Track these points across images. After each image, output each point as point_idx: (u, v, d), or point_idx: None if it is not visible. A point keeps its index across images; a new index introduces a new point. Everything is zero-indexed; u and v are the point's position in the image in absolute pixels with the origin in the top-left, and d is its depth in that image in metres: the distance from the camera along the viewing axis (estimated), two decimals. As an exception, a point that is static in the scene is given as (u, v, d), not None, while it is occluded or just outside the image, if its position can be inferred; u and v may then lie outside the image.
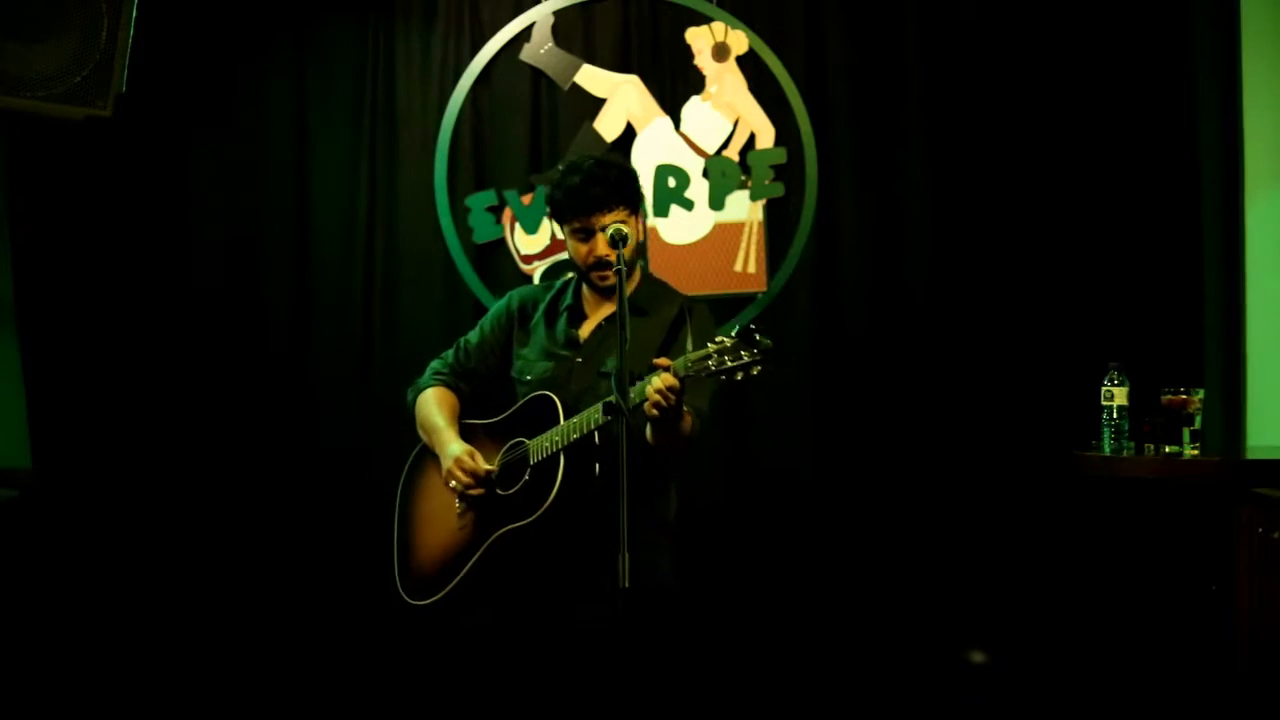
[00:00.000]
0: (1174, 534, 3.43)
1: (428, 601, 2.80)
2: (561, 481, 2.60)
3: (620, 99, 4.05)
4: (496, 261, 4.09)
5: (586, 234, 2.76)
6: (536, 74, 4.08)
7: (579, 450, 2.61)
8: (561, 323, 2.90)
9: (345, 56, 4.10)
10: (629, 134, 4.05)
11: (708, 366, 2.36)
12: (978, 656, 3.83)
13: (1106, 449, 3.32)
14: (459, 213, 4.06)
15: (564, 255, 4.03)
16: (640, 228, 2.86)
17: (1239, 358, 3.58)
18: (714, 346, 2.37)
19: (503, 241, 4.08)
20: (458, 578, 2.75)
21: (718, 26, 4.04)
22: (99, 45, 3.20)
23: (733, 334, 2.35)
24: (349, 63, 4.10)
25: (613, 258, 2.69)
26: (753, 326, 2.35)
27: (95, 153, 3.93)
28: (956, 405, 3.91)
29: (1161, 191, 3.85)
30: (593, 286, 2.85)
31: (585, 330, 2.88)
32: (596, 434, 2.58)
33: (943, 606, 3.87)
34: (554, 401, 2.70)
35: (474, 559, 2.72)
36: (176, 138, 4.08)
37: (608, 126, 4.05)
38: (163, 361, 4.05)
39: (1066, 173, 3.92)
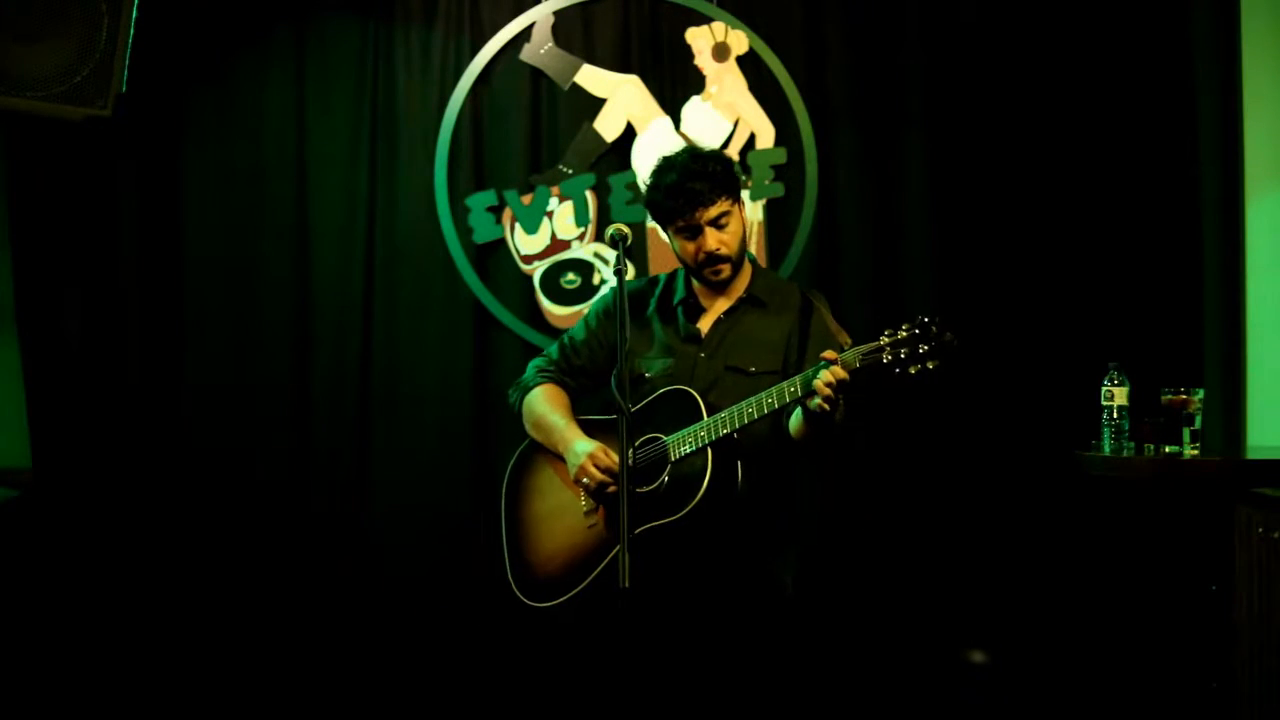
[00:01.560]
0: (1174, 534, 3.43)
1: (554, 603, 2.66)
2: (710, 477, 2.49)
3: (620, 99, 4.05)
4: (496, 261, 4.08)
5: (693, 232, 2.68)
6: (536, 74, 4.08)
7: (723, 448, 2.53)
8: (680, 317, 2.79)
9: (345, 56, 4.10)
10: (629, 134, 4.05)
11: (879, 360, 2.26)
12: (978, 656, 3.83)
13: (1106, 449, 3.31)
14: (459, 213, 4.06)
15: (564, 255, 4.03)
16: (744, 216, 2.77)
17: (1239, 358, 3.58)
18: (887, 339, 2.27)
19: (503, 241, 4.07)
20: (592, 575, 2.61)
21: (718, 26, 4.04)
22: (99, 45, 3.20)
23: (905, 326, 2.25)
24: (349, 63, 4.10)
25: (722, 251, 2.67)
26: (927, 319, 2.25)
27: (95, 153, 3.93)
28: (957, 405, 3.91)
29: (1161, 191, 3.85)
30: (705, 282, 2.77)
31: (705, 324, 2.78)
32: (736, 434, 2.50)
33: (944, 605, 3.88)
34: (694, 397, 2.59)
35: (610, 555, 2.58)
36: (176, 137, 4.07)
37: (608, 126, 4.05)
38: (161, 361, 4.05)
39: (1066, 173, 3.92)
